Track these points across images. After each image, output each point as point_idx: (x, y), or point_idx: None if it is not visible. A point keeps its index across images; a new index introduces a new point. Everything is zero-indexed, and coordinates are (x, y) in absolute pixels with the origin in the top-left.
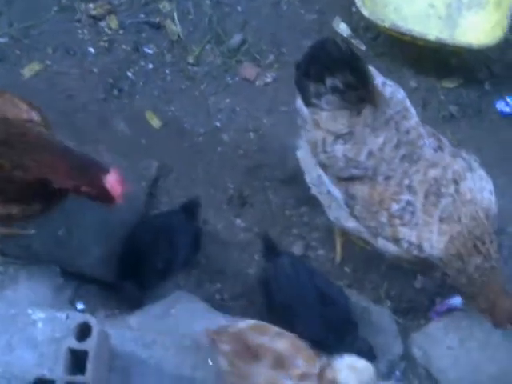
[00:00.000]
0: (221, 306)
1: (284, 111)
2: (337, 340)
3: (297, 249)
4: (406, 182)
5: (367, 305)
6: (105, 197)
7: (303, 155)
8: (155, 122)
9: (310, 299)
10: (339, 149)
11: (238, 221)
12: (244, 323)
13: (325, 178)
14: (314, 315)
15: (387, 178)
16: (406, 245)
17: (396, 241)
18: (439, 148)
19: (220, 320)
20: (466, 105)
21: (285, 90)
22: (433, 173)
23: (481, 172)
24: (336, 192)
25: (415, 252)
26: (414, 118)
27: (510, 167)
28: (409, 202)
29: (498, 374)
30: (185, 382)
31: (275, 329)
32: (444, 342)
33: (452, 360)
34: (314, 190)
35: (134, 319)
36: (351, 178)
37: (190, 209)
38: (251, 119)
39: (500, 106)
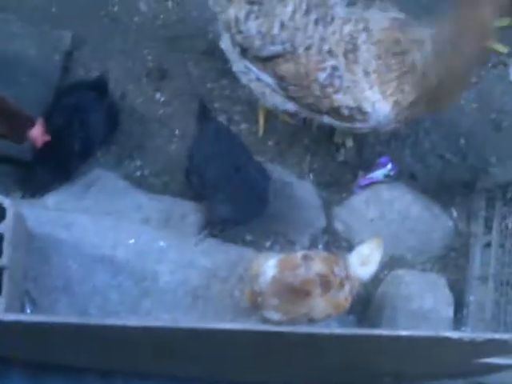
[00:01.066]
0: (141, 184)
1: None
2: (244, 214)
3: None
4: (326, 47)
5: (290, 179)
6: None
7: (226, 46)
8: None
9: (224, 167)
10: (252, 25)
11: (158, 95)
12: (270, 267)
13: (250, 65)
14: (224, 184)
15: (307, 48)
16: (346, 111)
17: (336, 111)
18: (352, 2)
19: (141, 199)
20: None
21: None
22: (347, 29)
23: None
24: (265, 77)
25: (359, 116)
26: None
27: None
28: (334, 68)
29: (416, 245)
30: (105, 261)
31: (298, 255)
32: (366, 214)
33: (373, 232)
34: (244, 80)
35: (52, 199)
36: (274, 57)
37: (100, 85)
38: None
39: None
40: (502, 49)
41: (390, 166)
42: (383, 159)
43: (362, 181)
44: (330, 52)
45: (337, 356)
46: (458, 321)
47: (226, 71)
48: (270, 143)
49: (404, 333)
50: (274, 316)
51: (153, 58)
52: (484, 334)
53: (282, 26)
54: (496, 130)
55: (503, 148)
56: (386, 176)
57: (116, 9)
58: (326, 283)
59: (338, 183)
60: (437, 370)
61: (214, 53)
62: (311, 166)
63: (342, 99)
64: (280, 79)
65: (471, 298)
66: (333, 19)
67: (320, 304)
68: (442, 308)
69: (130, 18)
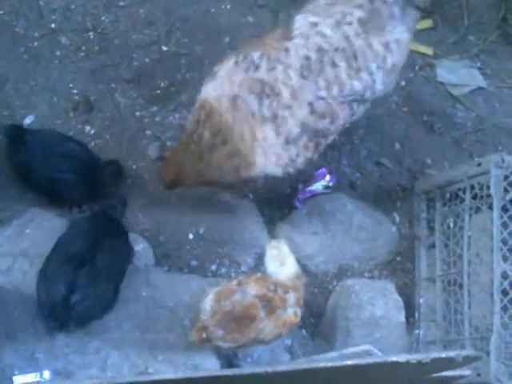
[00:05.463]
0: None
1: (123, 6)
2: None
3: (153, 150)
4: None
5: (229, 200)
6: None
7: None
8: None
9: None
10: None
11: (88, 127)
12: (207, 301)
13: None
14: None
15: None
16: None
17: None
18: None
19: None
20: None
21: None
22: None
23: None
24: None
25: None
26: None
27: None
28: None
29: (361, 254)
30: None
31: (233, 282)
32: (309, 228)
33: (318, 244)
34: None
35: None
36: None
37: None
38: (89, 17)
39: None
40: (427, 51)
41: (328, 177)
42: (321, 171)
43: (302, 194)
44: None
45: None
46: (410, 324)
47: (154, 98)
48: None
49: (349, 362)
50: (224, 345)
51: (78, 91)
52: (430, 354)
53: None
54: (429, 132)
55: (437, 149)
56: (326, 187)
57: (36, 44)
58: (267, 303)
59: (278, 199)
60: None
61: (140, 80)
62: (249, 184)
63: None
64: None
65: (421, 301)
66: None
67: (268, 326)
68: (394, 313)
69: (51, 52)
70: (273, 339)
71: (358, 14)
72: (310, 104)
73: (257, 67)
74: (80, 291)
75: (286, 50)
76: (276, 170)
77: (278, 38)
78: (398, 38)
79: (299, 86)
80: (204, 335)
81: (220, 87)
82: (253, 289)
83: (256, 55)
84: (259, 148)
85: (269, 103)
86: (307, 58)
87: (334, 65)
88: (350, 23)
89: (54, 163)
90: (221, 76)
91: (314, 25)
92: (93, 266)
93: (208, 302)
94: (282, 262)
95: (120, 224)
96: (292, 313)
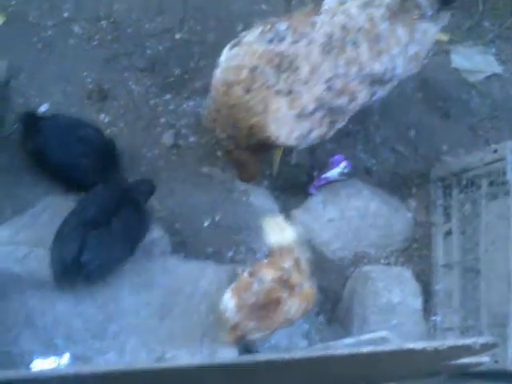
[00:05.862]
0: None
1: None
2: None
3: (167, 138)
4: None
5: (245, 188)
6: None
7: None
8: None
9: None
10: None
11: (102, 116)
12: (228, 300)
13: None
14: None
15: None
16: None
17: None
18: None
19: None
20: None
21: None
22: None
23: None
24: None
25: None
26: None
27: None
28: None
29: (378, 240)
30: (65, 289)
31: (245, 275)
32: (324, 215)
33: (334, 231)
34: None
35: (3, 233)
36: None
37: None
38: (102, 6)
39: None
40: (442, 37)
41: (343, 163)
42: (336, 158)
43: (318, 181)
44: None
45: (304, 375)
46: (427, 311)
47: (168, 85)
48: (219, 154)
49: (366, 349)
50: (258, 335)
51: (92, 80)
52: (447, 341)
53: None
54: (444, 118)
55: (453, 136)
56: (341, 174)
57: (49, 33)
58: (285, 283)
59: (294, 186)
60: (407, 373)
61: (153, 68)
62: (264, 172)
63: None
64: None
65: (438, 287)
66: None
67: (293, 304)
68: (411, 300)
69: (65, 41)
70: (300, 316)
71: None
72: (328, 81)
73: (281, 39)
74: (91, 251)
75: (312, 25)
76: (288, 142)
77: (307, 13)
78: (424, 28)
79: (319, 61)
80: (238, 333)
81: (241, 57)
82: (267, 275)
83: (283, 27)
84: (271, 119)
85: (286, 77)
86: (330, 34)
87: (355, 44)
88: (379, 6)
89: (68, 148)
90: (244, 43)
91: (342, 3)
92: (107, 229)
93: (229, 301)
94: (281, 233)
95: (139, 202)
96: (309, 286)
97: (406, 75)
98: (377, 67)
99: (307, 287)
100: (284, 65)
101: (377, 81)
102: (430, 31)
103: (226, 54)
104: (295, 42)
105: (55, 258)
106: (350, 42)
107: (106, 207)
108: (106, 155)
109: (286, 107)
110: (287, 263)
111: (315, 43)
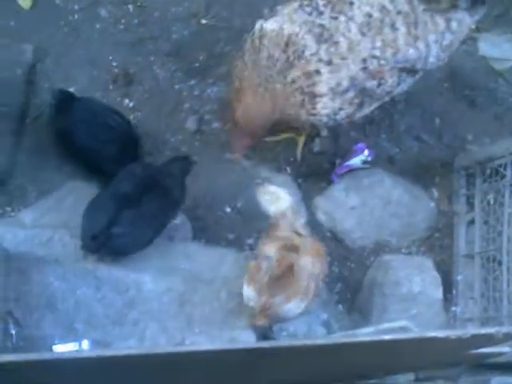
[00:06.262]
0: None
1: None
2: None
3: (191, 123)
4: None
5: (268, 175)
6: None
7: None
8: (25, 3)
9: None
10: None
11: (127, 100)
12: (246, 291)
13: None
14: None
15: None
16: None
17: None
18: None
19: None
20: None
21: None
22: None
23: None
24: None
25: None
26: None
27: None
28: None
29: (400, 229)
30: (87, 275)
31: (252, 262)
32: (347, 202)
33: (356, 220)
34: None
35: (28, 216)
36: None
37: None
38: None
39: None
40: None
41: (366, 151)
42: (359, 145)
43: (340, 169)
44: None
45: (324, 362)
46: (447, 301)
47: (193, 71)
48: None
49: (388, 337)
50: (292, 305)
51: (118, 64)
52: (470, 330)
53: None
54: (471, 107)
55: (479, 124)
56: (364, 162)
57: (76, 17)
58: (291, 248)
59: (316, 173)
60: (427, 362)
61: (179, 53)
62: (288, 159)
63: None
64: None
65: (459, 278)
66: None
67: (307, 261)
68: (431, 290)
69: (91, 25)
70: (322, 270)
71: None
72: (364, 61)
73: (320, 13)
74: (121, 227)
75: (351, 4)
76: (318, 116)
77: None
78: (460, 18)
79: (357, 40)
80: (268, 312)
81: (280, 22)
82: (270, 249)
83: (321, 2)
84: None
85: (326, 48)
86: (369, 15)
87: (393, 27)
88: None
89: (96, 132)
90: (283, 14)
91: None
92: (137, 208)
93: (248, 291)
94: (277, 201)
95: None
96: (311, 241)
97: (435, 65)
98: (411, 53)
99: (311, 243)
100: (324, 35)
101: (408, 68)
102: (465, 21)
103: (260, 24)
104: (334, 17)
105: (85, 226)
106: (389, 25)
107: (139, 186)
108: (130, 145)
109: (327, 74)
110: (284, 232)
111: (354, 22)
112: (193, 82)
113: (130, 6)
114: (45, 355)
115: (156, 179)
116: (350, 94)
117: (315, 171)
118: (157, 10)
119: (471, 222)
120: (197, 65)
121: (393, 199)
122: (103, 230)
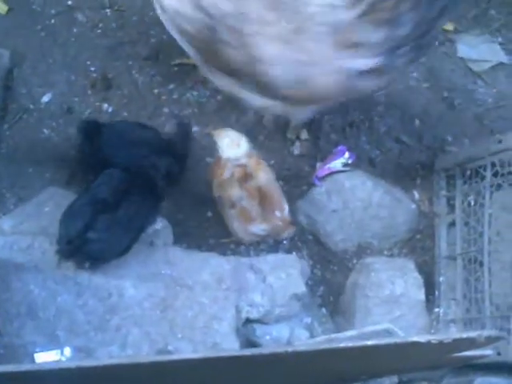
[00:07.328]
0: None
1: None
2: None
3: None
4: None
5: None
6: None
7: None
8: (1, 7)
9: None
10: None
11: (105, 105)
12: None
13: None
14: None
15: None
16: None
17: None
18: None
19: None
20: None
21: None
22: None
23: None
24: None
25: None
26: None
27: None
28: None
29: (381, 232)
30: (68, 281)
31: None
32: (328, 205)
33: (337, 222)
34: None
35: (7, 223)
36: None
37: None
38: None
39: None
40: (447, 26)
41: (347, 154)
42: (340, 148)
43: (321, 172)
44: None
45: (307, 367)
46: (430, 302)
47: (171, 75)
48: None
49: (370, 342)
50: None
51: (96, 69)
52: (452, 334)
53: None
54: (450, 109)
55: (458, 126)
56: (345, 165)
57: (53, 21)
58: (247, 177)
59: (297, 177)
60: (410, 365)
61: (157, 57)
62: (268, 162)
63: None
64: None
65: (441, 279)
66: None
67: (263, 176)
68: (413, 291)
69: (68, 29)
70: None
71: None
72: None
73: None
74: (96, 232)
75: None
76: None
77: None
78: None
79: None
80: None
81: None
82: (234, 192)
83: None
84: None
85: None
86: None
87: None
88: None
89: (130, 151)
90: None
91: None
92: (114, 214)
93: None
94: (236, 145)
95: (156, 187)
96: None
97: None
98: None
99: (252, 162)
100: None
101: None
102: None
103: None
104: None
105: (61, 231)
106: None
107: (116, 190)
108: (170, 151)
109: None
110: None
111: None
112: (172, 86)
113: (108, 10)
114: (23, 367)
115: (136, 183)
116: None
117: (296, 174)
118: (135, 14)
119: (452, 224)
120: (176, 69)
121: (374, 201)
122: (79, 234)
